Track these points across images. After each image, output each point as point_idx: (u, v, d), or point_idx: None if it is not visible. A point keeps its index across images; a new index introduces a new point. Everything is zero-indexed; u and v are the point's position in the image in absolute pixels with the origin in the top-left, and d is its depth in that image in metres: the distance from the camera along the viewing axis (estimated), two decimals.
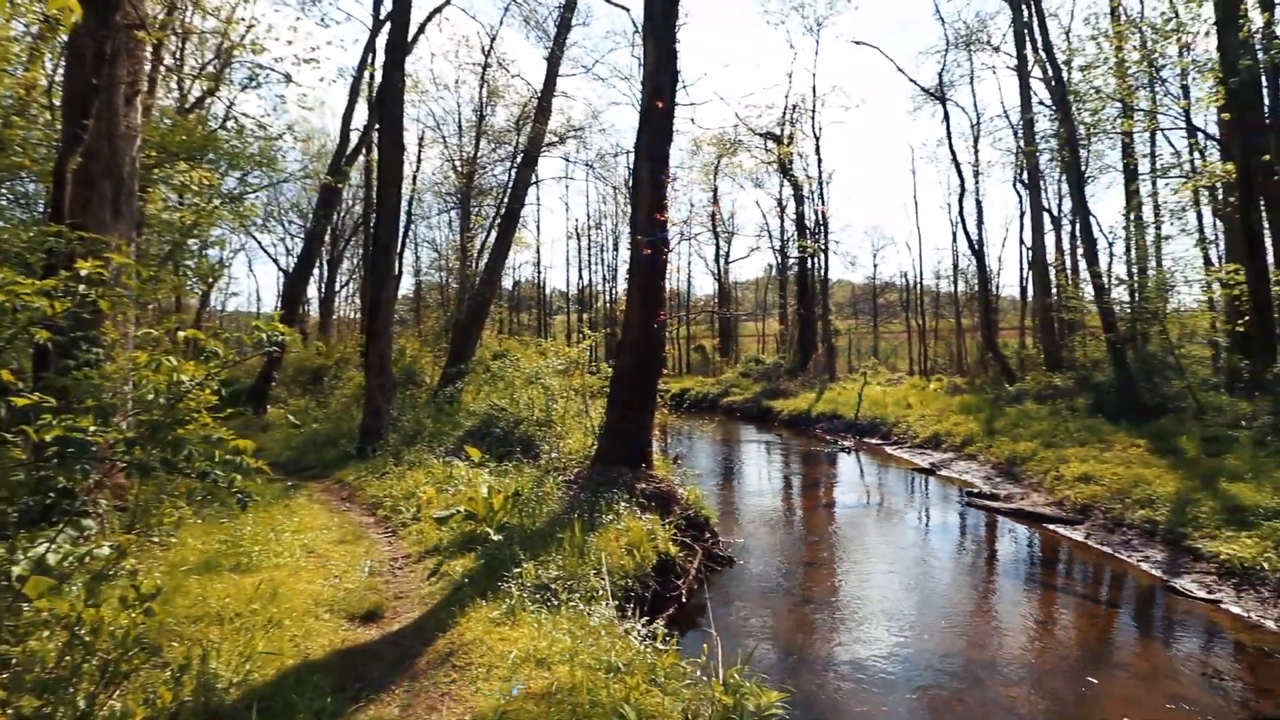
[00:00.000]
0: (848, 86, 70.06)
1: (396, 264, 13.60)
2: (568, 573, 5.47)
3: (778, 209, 31.56)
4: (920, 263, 43.39)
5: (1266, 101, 14.44)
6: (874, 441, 15.63)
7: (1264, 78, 13.84)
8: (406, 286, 32.28)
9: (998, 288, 30.39)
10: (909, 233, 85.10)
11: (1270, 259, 13.07)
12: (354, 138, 18.85)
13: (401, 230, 26.45)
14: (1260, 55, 12.71)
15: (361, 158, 20.19)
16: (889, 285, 42.36)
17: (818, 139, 28.13)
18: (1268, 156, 12.91)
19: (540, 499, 7.22)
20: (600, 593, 5.25)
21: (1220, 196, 17.23)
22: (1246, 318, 12.52)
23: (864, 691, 4.91)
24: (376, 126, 13.60)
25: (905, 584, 7.02)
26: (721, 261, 38.01)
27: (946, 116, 23.25)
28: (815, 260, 27.80)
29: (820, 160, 27.90)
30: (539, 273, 42.65)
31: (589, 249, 43.25)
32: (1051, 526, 8.76)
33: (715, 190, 34.45)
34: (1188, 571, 6.85)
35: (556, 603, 4.99)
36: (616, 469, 8.01)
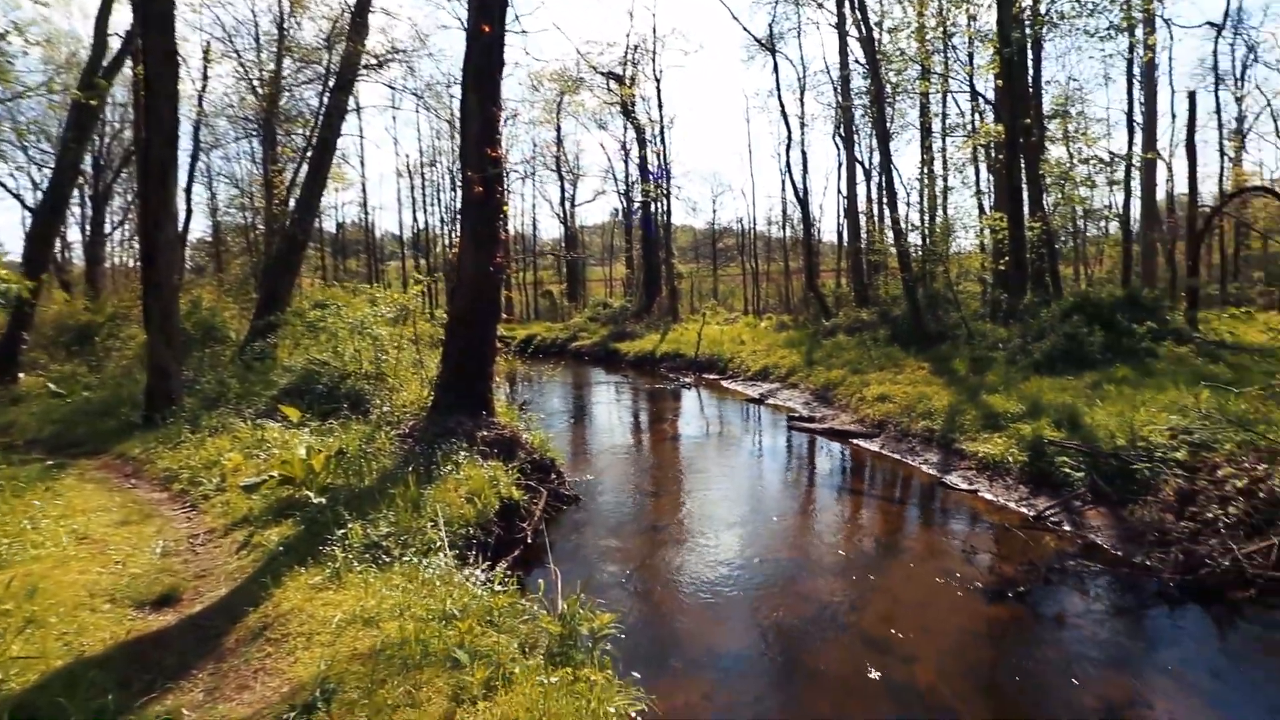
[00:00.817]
0: (688, 30, 70.55)
1: (180, 199, 11.57)
2: (401, 528, 5.22)
3: (622, 152, 31.48)
4: (754, 209, 46.25)
5: (1031, 71, 16.86)
6: (712, 377, 16.66)
7: (1029, 50, 16.10)
8: (201, 228, 27.88)
9: (819, 233, 33.18)
10: (744, 180, 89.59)
11: (1026, 209, 15.59)
12: (115, 44, 15.42)
13: (187, 160, 22.52)
14: (1027, 30, 14.71)
15: (127, 69, 16.60)
16: (727, 230, 44.55)
17: (659, 82, 28.20)
18: (1029, 120, 15.17)
19: (371, 456, 6.76)
20: (438, 544, 5.09)
21: (992, 154, 20.09)
22: (1007, 258, 14.92)
23: (700, 601, 5.32)
24: (140, 30, 11.17)
25: (737, 502, 7.66)
26: (567, 205, 37.33)
27: (776, 68, 24.36)
28: (658, 205, 28.31)
29: (662, 104, 28.10)
30: (366, 214, 38.94)
31: (423, 188, 40.20)
32: (856, 441, 10.01)
33: (559, 130, 33.37)
34: (955, 469, 8.22)
35: (389, 560, 4.75)
36: (456, 418, 7.71)
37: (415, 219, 53.55)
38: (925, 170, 23.86)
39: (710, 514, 7.34)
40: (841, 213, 30.84)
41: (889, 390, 11.11)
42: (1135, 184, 22.02)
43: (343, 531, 4.96)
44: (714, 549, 6.36)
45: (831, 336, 16.76)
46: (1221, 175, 25.14)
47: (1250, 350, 11.61)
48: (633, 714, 3.26)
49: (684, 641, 4.80)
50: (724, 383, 15.92)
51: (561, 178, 36.39)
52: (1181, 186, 24.29)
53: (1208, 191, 25.44)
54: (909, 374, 11.95)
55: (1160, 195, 23.92)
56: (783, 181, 38.35)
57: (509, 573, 5.02)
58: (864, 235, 23.17)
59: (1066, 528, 6.41)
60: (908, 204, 23.74)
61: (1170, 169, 24.95)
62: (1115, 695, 4.06)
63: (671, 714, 3.88)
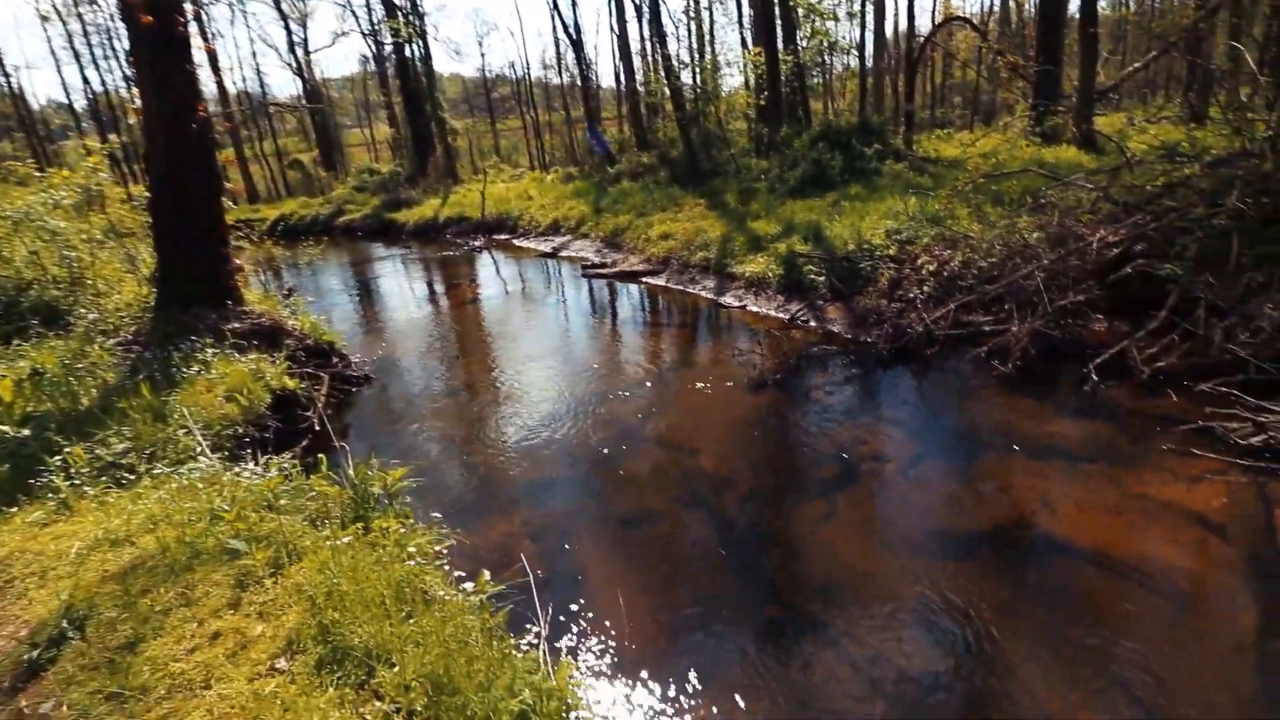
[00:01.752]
0: None
1: None
2: (144, 441, 4.50)
3: None
4: (525, 51, 42.65)
5: None
6: (503, 237, 16.05)
7: None
8: None
9: (597, 77, 31.93)
10: (511, 18, 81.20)
11: (780, 43, 16.28)
12: None
13: None
14: None
15: None
16: (501, 79, 40.89)
17: None
18: None
19: (84, 372, 5.56)
20: (198, 450, 4.50)
21: None
22: (766, 93, 15.74)
23: (510, 446, 5.49)
24: None
25: (540, 351, 7.79)
26: (299, 51, 31.01)
27: None
28: (413, 48, 24.66)
29: None
30: (6, 78, 28.86)
31: (85, 35, 30.46)
32: (645, 279, 10.55)
33: None
34: (729, 290, 9.11)
35: (134, 476, 4.11)
36: (194, 313, 6.56)
37: (87, 80, 41.19)
38: (692, 5, 23.55)
39: (514, 367, 7.40)
40: (616, 55, 29.68)
41: (671, 229, 11.65)
42: (869, 18, 24.00)
43: (61, 459, 4.13)
44: (521, 397, 6.50)
45: (616, 184, 16.83)
46: (934, 8, 28.37)
47: (947, 163, 13.98)
48: (440, 550, 3.36)
49: (497, 483, 4.98)
50: (516, 241, 15.46)
51: (284, 15, 29.81)
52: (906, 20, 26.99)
53: (925, 25, 28.75)
54: (688, 211, 12.57)
55: (889, 29, 26.48)
56: (552, 17, 35.44)
57: (293, 462, 4.67)
58: (639, 76, 22.74)
59: (813, 324, 7.57)
60: (678, 39, 23.52)
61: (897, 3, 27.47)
62: (847, 438, 5.10)
63: (487, 545, 4.09)
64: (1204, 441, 4.34)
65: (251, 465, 4.30)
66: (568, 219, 15.04)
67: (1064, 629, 3.19)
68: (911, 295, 7.15)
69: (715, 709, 2.94)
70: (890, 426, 5.30)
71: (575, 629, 3.41)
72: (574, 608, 3.56)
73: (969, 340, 6.31)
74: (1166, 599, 3.31)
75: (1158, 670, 2.92)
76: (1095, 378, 5.25)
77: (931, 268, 7.45)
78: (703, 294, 9.37)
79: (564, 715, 2.00)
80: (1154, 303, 5.88)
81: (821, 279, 8.10)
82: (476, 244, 15.50)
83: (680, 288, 9.82)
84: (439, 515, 3.78)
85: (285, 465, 4.30)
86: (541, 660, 2.40)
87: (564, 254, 13.38)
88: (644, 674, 3.12)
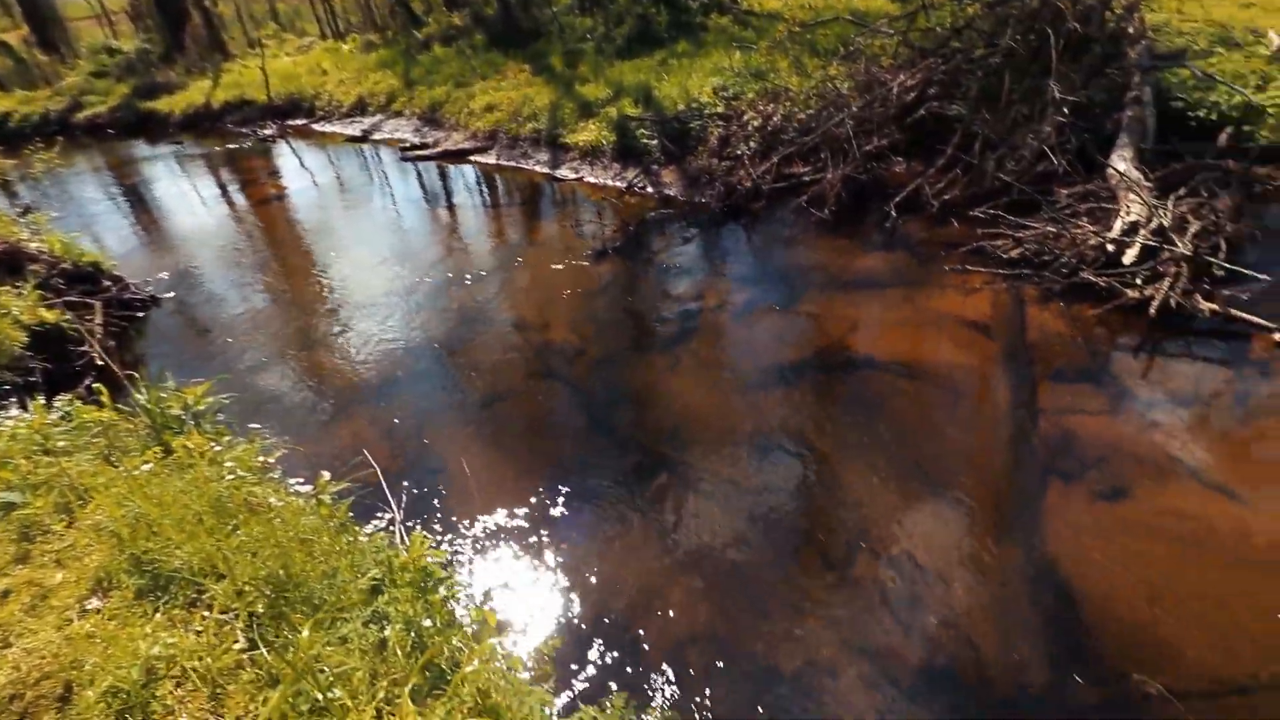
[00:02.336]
0: None
1: None
2: None
3: None
4: None
5: None
6: (299, 122, 13.87)
7: None
8: None
9: None
10: None
11: None
12: None
13: None
14: None
15: None
16: None
17: None
18: None
19: None
20: None
21: None
22: None
23: (344, 351, 5.08)
24: None
25: (364, 248, 7.08)
26: None
27: None
28: None
29: None
30: None
31: None
32: (473, 158, 9.77)
33: None
34: (563, 163, 8.73)
35: None
36: None
37: None
38: None
39: (339, 267, 6.71)
40: None
41: (495, 99, 10.71)
42: None
43: None
44: (351, 299, 5.97)
45: (427, 50, 14.92)
46: None
47: (769, 15, 13.89)
48: (269, 461, 3.13)
49: (335, 389, 4.65)
50: (316, 126, 13.44)
51: None
52: None
53: None
54: (511, 79, 11.56)
55: None
56: None
57: (74, 403, 3.99)
58: None
59: (649, 190, 7.54)
60: None
61: None
62: (687, 294, 5.31)
63: (330, 451, 3.88)
64: (977, 259, 5.05)
65: (16, 412, 3.63)
66: (375, 95, 13.26)
67: (875, 431, 3.73)
68: (740, 152, 7.30)
69: (583, 552, 3.15)
70: (724, 279, 5.58)
71: (434, 508, 3.42)
72: (431, 490, 3.54)
73: (791, 191, 6.65)
74: (950, 392, 3.95)
75: (944, 449, 3.55)
76: (895, 215, 5.82)
77: (756, 123, 7.59)
78: (537, 169, 8.89)
79: (424, 584, 2.02)
80: (945, 141, 6.50)
81: (654, 143, 7.98)
82: (268, 133, 13.28)
83: (513, 164, 9.23)
84: (259, 426, 3.47)
85: (63, 407, 3.67)
86: (398, 538, 2.38)
87: (377, 136, 11.92)
88: (511, 535, 3.24)
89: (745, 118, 7.80)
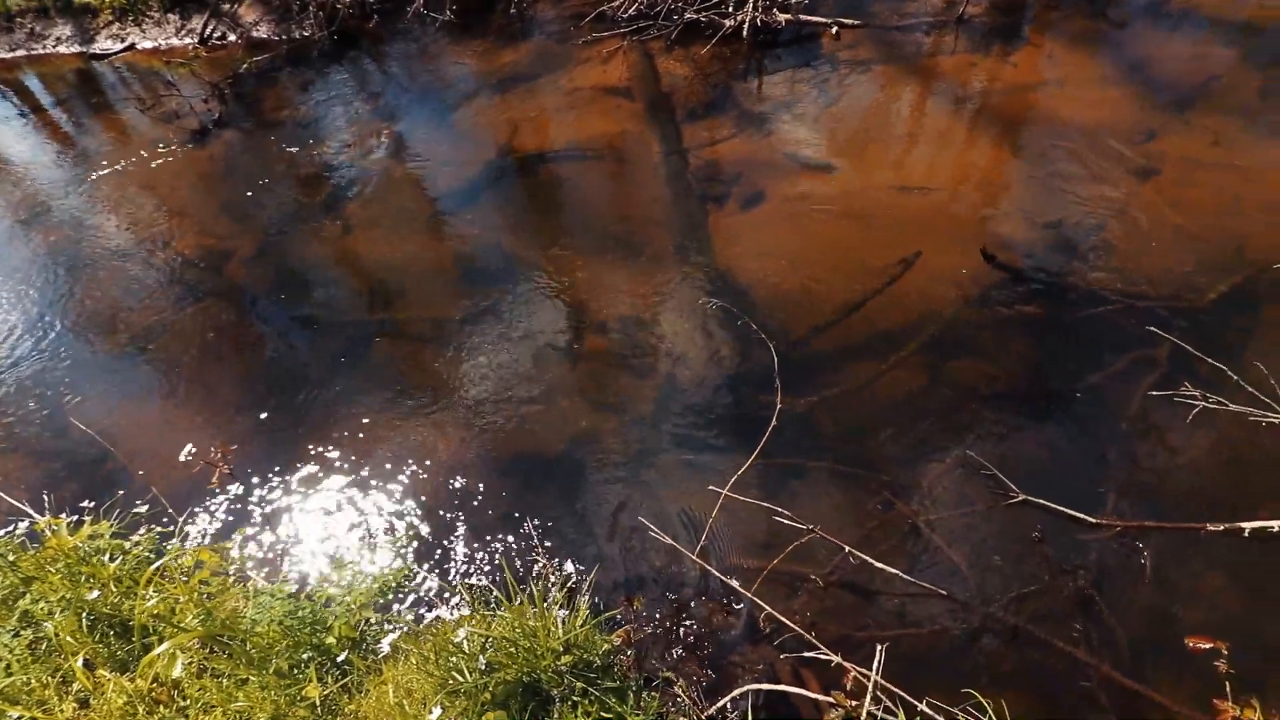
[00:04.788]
0: None
1: None
2: None
3: None
4: None
5: None
6: None
7: None
8: None
9: None
10: None
11: None
12: None
13: None
14: None
15: None
16: None
17: None
18: None
19: None
20: None
21: None
22: None
23: None
24: None
25: None
26: None
27: None
28: None
29: None
30: None
31: None
32: None
33: None
34: (96, 34, 6.47)
35: None
36: None
37: None
38: None
39: None
40: None
41: None
42: None
43: None
44: None
45: None
46: None
47: None
48: None
49: None
50: None
51: None
52: None
53: None
54: None
55: None
56: None
57: None
58: None
59: (230, 37, 6.04)
60: None
61: None
62: (330, 146, 4.60)
63: None
64: (602, 24, 5.07)
65: None
66: None
67: (567, 219, 3.83)
68: None
69: (336, 452, 2.91)
70: (368, 119, 4.92)
71: (124, 484, 2.84)
72: (107, 472, 2.91)
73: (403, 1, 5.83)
74: (614, 160, 4.14)
75: (627, 213, 3.79)
76: None
77: None
78: (64, 51, 6.52)
79: (80, 566, 1.68)
80: None
81: None
82: None
83: (29, 53, 6.63)
84: None
85: None
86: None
87: None
88: (239, 483, 2.86)
89: None
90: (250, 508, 2.72)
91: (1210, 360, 2.59)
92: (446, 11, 5.49)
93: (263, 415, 3.06)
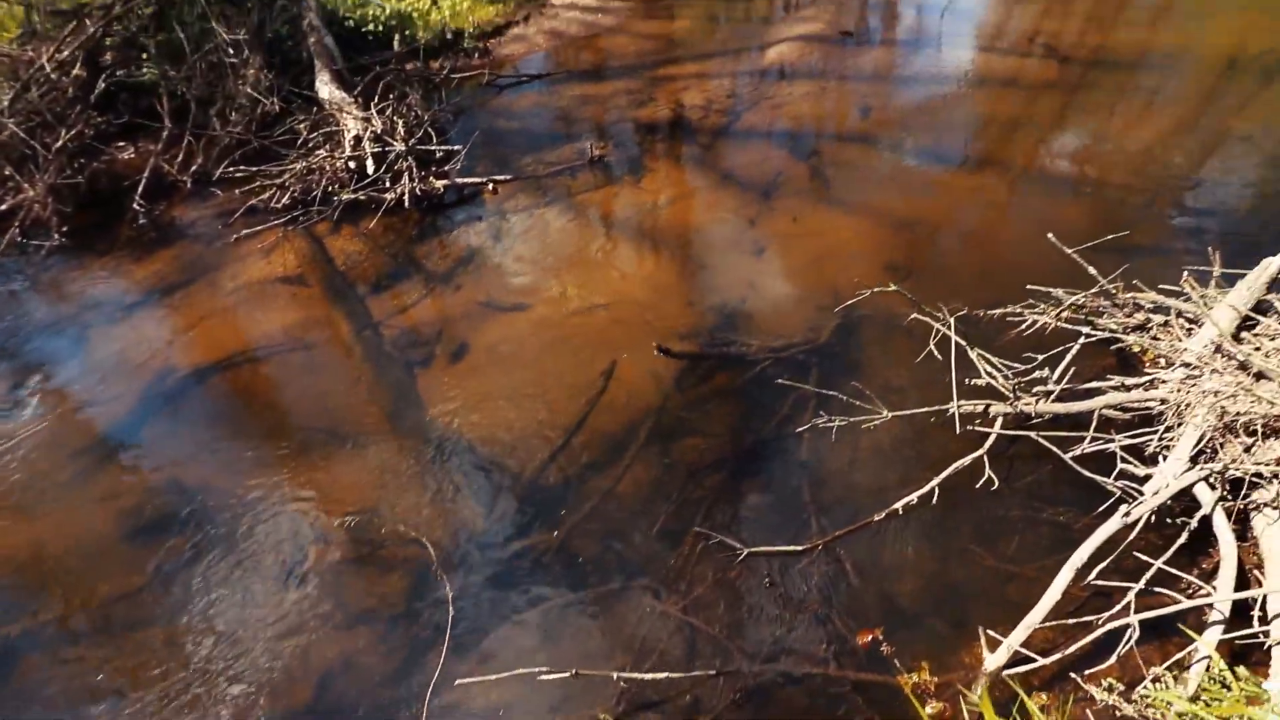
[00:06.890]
0: None
1: None
2: None
3: None
4: None
5: None
6: None
7: None
8: None
9: None
10: None
11: None
12: None
13: None
14: None
15: None
16: None
17: None
18: None
19: None
20: None
21: None
22: None
23: None
24: None
25: None
26: None
27: None
28: None
29: None
30: None
31: None
32: None
33: None
34: None
35: None
36: None
37: None
38: None
39: None
40: None
41: None
42: None
43: None
44: None
45: None
46: None
47: None
48: None
49: None
50: None
51: None
52: None
53: None
54: None
55: None
56: None
57: None
58: None
59: None
60: None
61: None
62: None
63: None
64: (257, 218, 4.89)
65: None
66: None
67: (257, 422, 3.45)
68: None
69: None
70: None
71: None
72: None
73: None
74: (307, 352, 3.91)
75: (320, 403, 3.56)
76: (145, 205, 5.03)
77: None
78: None
79: None
80: (160, 113, 5.75)
81: None
82: None
83: None
84: None
85: None
86: None
87: None
88: None
89: None
90: None
91: (851, 381, 3.30)
92: (56, 235, 4.79)
93: None
